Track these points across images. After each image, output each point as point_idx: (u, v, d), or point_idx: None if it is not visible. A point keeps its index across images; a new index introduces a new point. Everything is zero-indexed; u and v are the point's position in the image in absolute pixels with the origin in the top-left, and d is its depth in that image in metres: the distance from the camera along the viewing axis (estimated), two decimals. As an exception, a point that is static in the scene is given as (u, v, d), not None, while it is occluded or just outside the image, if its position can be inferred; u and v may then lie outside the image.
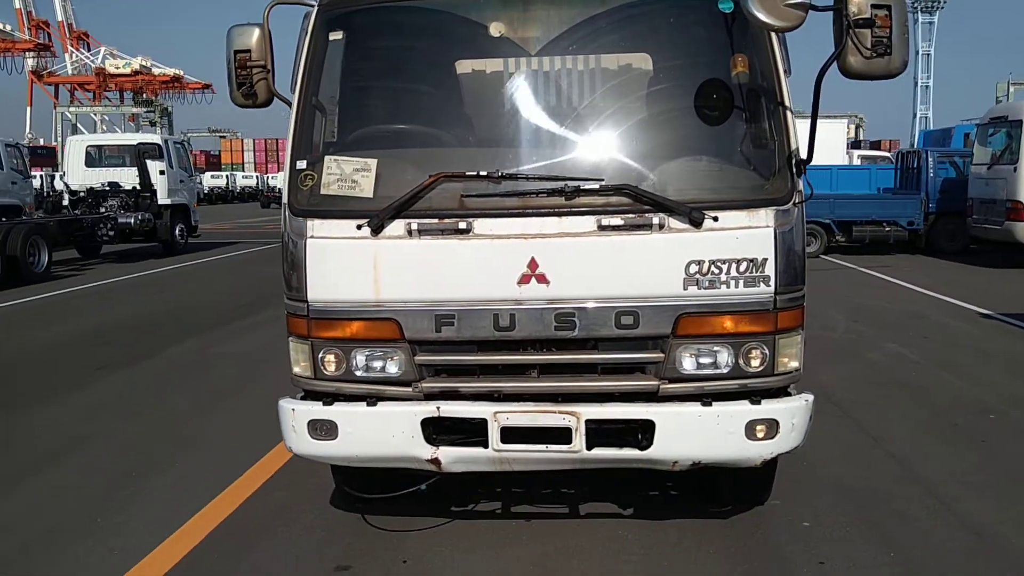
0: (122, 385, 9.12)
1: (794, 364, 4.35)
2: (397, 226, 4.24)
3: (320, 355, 4.42)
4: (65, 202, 24.66)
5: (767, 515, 5.22)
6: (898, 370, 8.98)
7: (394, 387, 4.38)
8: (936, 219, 20.83)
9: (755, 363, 4.27)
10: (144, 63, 73.30)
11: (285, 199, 4.46)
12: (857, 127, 76.08)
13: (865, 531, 5.01)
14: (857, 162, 30.69)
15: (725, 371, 4.27)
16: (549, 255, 4.16)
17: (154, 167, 23.54)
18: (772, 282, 4.18)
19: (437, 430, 4.36)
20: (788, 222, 4.21)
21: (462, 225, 4.19)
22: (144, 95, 72.90)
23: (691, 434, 4.23)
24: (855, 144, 66.99)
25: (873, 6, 3.85)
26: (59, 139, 58.87)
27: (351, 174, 4.34)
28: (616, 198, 4.15)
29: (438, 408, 4.29)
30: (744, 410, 4.21)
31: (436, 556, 4.80)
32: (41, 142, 64.13)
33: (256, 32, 4.58)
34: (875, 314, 12.49)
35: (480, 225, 4.19)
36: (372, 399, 4.37)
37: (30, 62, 72.71)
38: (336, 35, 4.53)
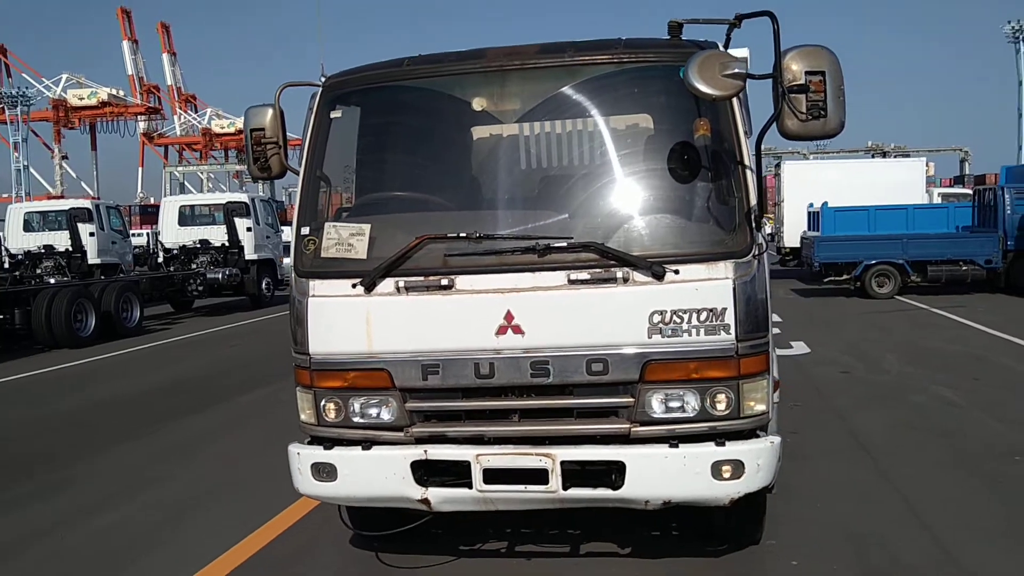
0: (188, 431, 9.74)
1: (760, 407, 4.57)
2: (387, 284, 4.65)
3: (322, 403, 4.84)
4: (160, 259, 25.97)
5: (759, 554, 5.39)
6: (938, 414, 8.96)
7: (388, 432, 4.77)
8: (1016, 257, 20.39)
9: (721, 407, 4.51)
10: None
11: (292, 262, 4.93)
12: (962, 161, 74.41)
13: (852, 569, 5.15)
14: (937, 200, 30.23)
15: (692, 414, 4.52)
16: (524, 308, 4.51)
17: (242, 224, 24.67)
18: (732, 330, 4.43)
19: (428, 472, 4.71)
20: (747, 273, 4.46)
21: (444, 282, 4.58)
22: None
23: (659, 474, 4.49)
24: (959, 179, 65.55)
25: (807, 72, 4.14)
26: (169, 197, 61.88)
27: (347, 238, 4.79)
28: (584, 254, 4.48)
29: (426, 451, 4.66)
30: (709, 451, 4.46)
31: (440, 591, 5.14)
32: (152, 200, 67.20)
33: (269, 112, 5.10)
34: (932, 356, 12.40)
35: (461, 281, 4.58)
36: (368, 444, 4.76)
37: (142, 125, 76.67)
38: (336, 113, 5.01)
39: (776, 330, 15.05)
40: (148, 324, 21.09)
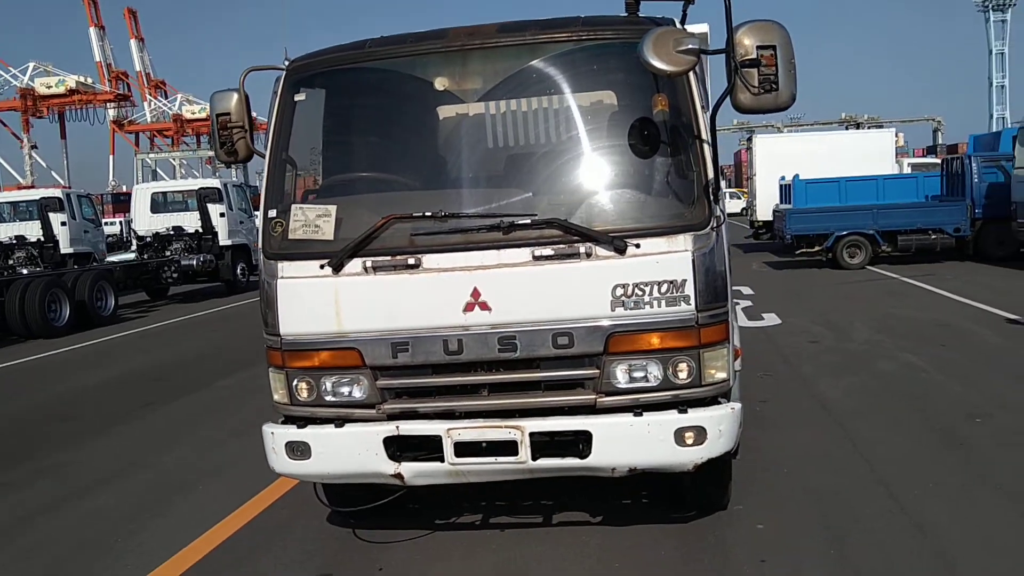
0: (167, 418, 9.80)
1: (721, 375, 4.70)
2: (355, 264, 4.73)
3: (294, 383, 4.93)
4: (133, 247, 25.87)
5: (726, 519, 5.54)
6: (904, 380, 9.15)
7: (360, 409, 4.87)
8: (983, 225, 20.68)
9: (683, 375, 4.64)
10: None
11: (259, 245, 5.00)
12: (935, 131, 74.97)
13: (816, 532, 5.31)
14: (907, 170, 30.51)
15: (656, 384, 4.65)
16: (490, 284, 4.61)
17: (215, 210, 24.59)
18: (692, 301, 4.55)
19: (401, 447, 4.82)
20: (706, 245, 4.58)
21: (411, 261, 4.67)
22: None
23: (625, 442, 4.62)
24: (931, 149, 66.02)
25: (759, 47, 4.24)
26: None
27: (314, 219, 4.86)
28: (547, 231, 4.58)
29: (397, 427, 4.76)
30: (672, 419, 4.59)
31: (410, 564, 5.25)
32: (124, 188, 66.63)
33: (234, 96, 5.15)
34: (900, 324, 12.60)
35: (428, 260, 4.67)
36: (340, 421, 4.86)
37: (111, 112, 75.76)
38: (300, 96, 5.07)
39: (747, 302, 15.50)
40: (123, 312, 21.04)
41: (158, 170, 70.46)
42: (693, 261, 4.54)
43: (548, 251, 4.57)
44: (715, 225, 4.64)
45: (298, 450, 4.91)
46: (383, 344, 4.75)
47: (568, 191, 4.80)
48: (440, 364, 4.74)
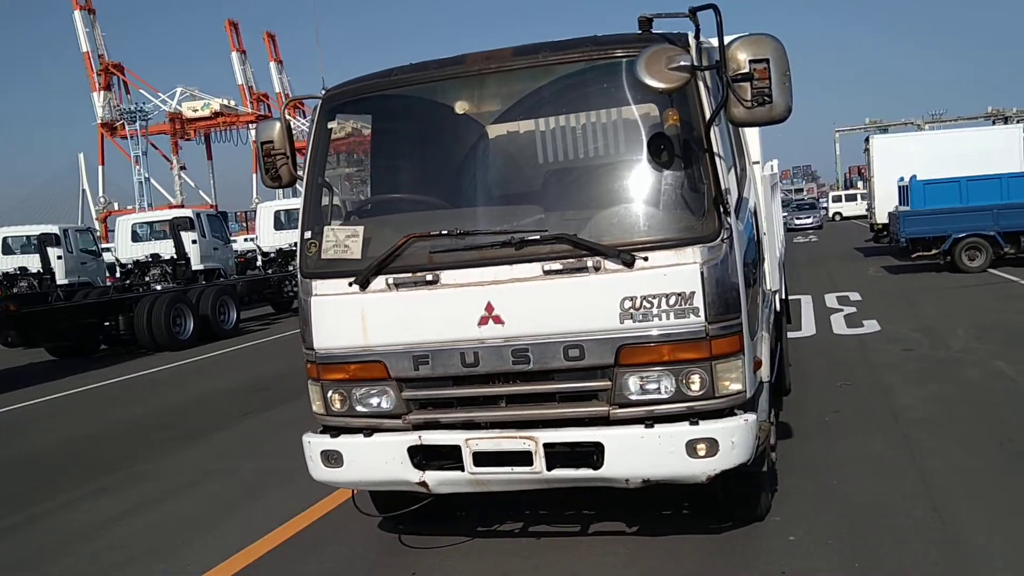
0: (261, 426, 10.32)
1: (736, 387, 4.72)
2: (380, 281, 4.98)
3: (328, 394, 5.22)
4: (258, 263, 27.08)
5: (760, 530, 5.53)
6: (986, 389, 8.80)
7: (388, 419, 5.11)
8: (1117, 224, 19.48)
9: (695, 387, 4.69)
10: (355, 126, 78.39)
11: (297, 265, 5.32)
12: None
13: (846, 545, 5.24)
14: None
15: (668, 396, 4.72)
16: (503, 299, 4.78)
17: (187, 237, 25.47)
18: (702, 313, 4.60)
19: (426, 456, 5.03)
20: (715, 257, 4.62)
21: (429, 277, 4.88)
22: (355, 156, 77.85)
23: (636, 454, 4.70)
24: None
25: (751, 61, 4.29)
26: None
27: (344, 240, 5.14)
28: (557, 246, 4.72)
29: (420, 437, 4.98)
30: (683, 431, 4.65)
31: (442, 569, 5.46)
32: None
33: (277, 125, 5.49)
34: (1004, 331, 12.07)
35: (446, 276, 4.87)
36: (370, 431, 5.11)
37: (253, 132, 79.25)
38: (333, 123, 5.37)
39: (852, 309, 15.16)
40: (246, 325, 22.06)
41: (298, 186, 73.09)
42: (702, 273, 4.60)
43: (557, 265, 4.70)
44: (725, 237, 4.67)
45: (332, 458, 5.19)
46: (406, 357, 4.98)
47: (580, 206, 4.94)
48: (459, 376, 4.94)
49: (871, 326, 13.35)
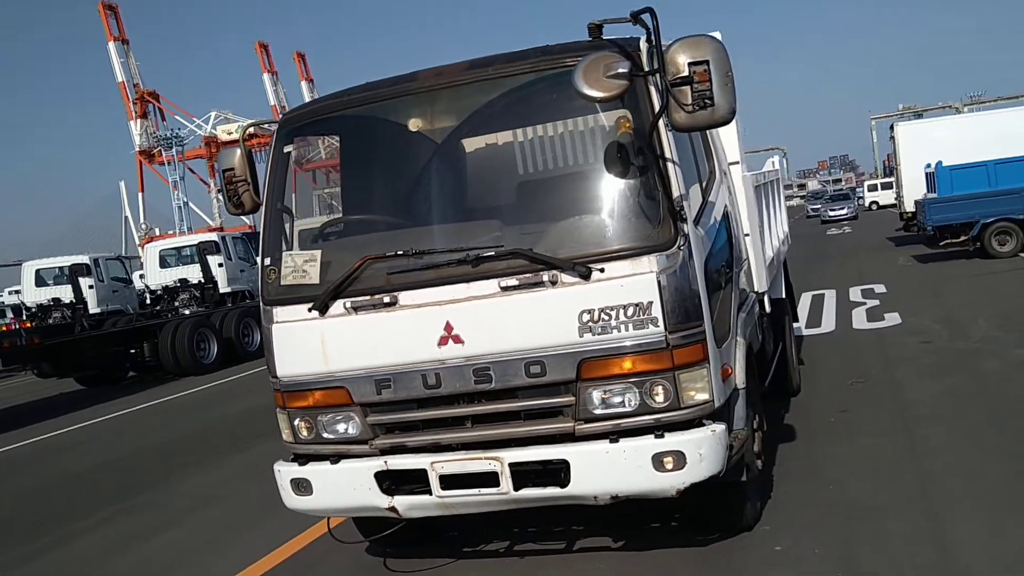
0: (271, 450, 10.25)
1: (702, 396, 4.59)
2: (338, 305, 4.91)
3: (295, 422, 5.16)
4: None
5: (747, 541, 5.37)
6: (1003, 381, 8.52)
7: (355, 445, 5.03)
8: None
9: (660, 399, 4.56)
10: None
11: (260, 293, 5.26)
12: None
13: (832, 554, 5.06)
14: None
15: (633, 408, 4.59)
16: (461, 317, 4.69)
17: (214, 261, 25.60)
18: (661, 323, 4.47)
19: (396, 481, 4.95)
20: (672, 265, 4.49)
21: (387, 299, 4.80)
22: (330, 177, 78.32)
23: (602, 469, 4.58)
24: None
25: (691, 64, 4.16)
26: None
27: (302, 265, 5.08)
28: (513, 261, 4.61)
29: (386, 462, 4.90)
30: (648, 444, 4.52)
31: (422, 592, 5.38)
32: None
33: (237, 152, 5.45)
34: (1028, 317, 11.75)
35: (404, 297, 4.79)
36: (337, 458, 5.04)
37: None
38: (289, 147, 5.31)
39: (875, 302, 14.83)
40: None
41: (334, 203, 73.57)
42: (659, 282, 4.47)
43: (513, 281, 4.60)
44: (682, 244, 4.54)
45: (302, 486, 5.12)
46: (368, 381, 4.90)
47: (537, 219, 4.84)
48: (422, 398, 4.85)
49: (892, 319, 13.05)
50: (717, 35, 6.17)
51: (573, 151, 4.96)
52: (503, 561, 5.65)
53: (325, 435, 5.09)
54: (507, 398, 4.76)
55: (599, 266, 4.51)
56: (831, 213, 50.37)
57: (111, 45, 69.99)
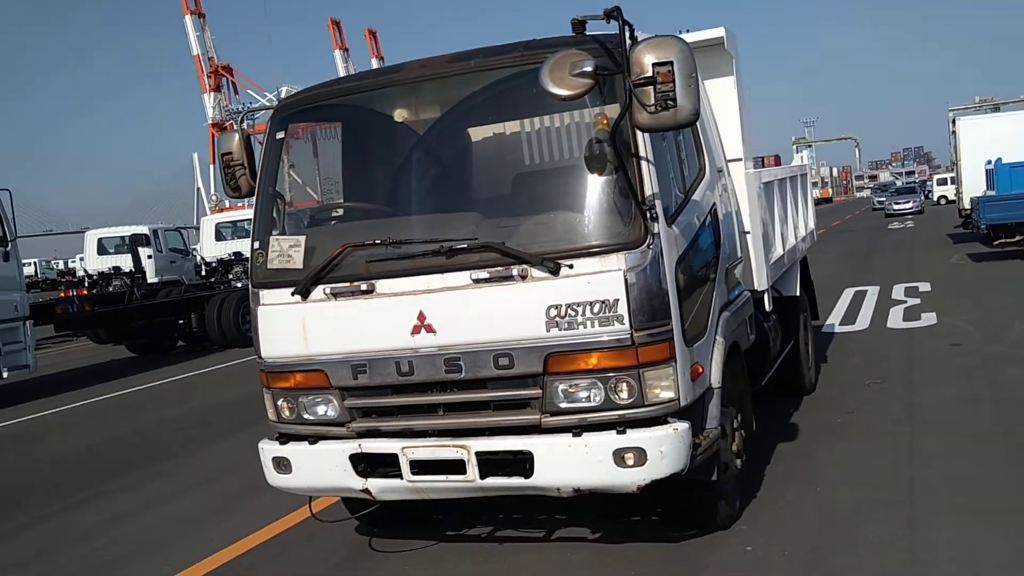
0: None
1: (667, 395, 4.62)
2: (319, 291, 5.03)
3: (278, 402, 5.31)
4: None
5: (721, 539, 5.39)
6: (1021, 388, 8.37)
7: (333, 427, 5.16)
8: None
9: (624, 396, 4.60)
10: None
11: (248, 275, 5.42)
12: None
13: (802, 558, 5.07)
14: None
15: (598, 404, 4.64)
16: (434, 308, 4.78)
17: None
18: (626, 320, 4.51)
19: (371, 464, 5.07)
20: (640, 264, 4.52)
21: (364, 287, 4.91)
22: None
23: (565, 463, 4.65)
24: None
25: (655, 64, 4.17)
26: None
27: (287, 249, 5.21)
28: (485, 254, 4.69)
29: (360, 445, 5.02)
30: (609, 440, 4.57)
31: (400, 571, 5.52)
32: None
33: (236, 137, 5.58)
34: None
35: (381, 285, 4.89)
36: (315, 438, 5.18)
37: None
38: (281, 134, 5.43)
39: (916, 301, 14.58)
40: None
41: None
42: (626, 280, 4.51)
43: (484, 274, 4.67)
44: (652, 242, 4.56)
45: (282, 465, 5.28)
46: (345, 366, 5.02)
47: (513, 213, 4.91)
48: (396, 385, 4.95)
49: (928, 319, 12.81)
50: (720, 31, 6.22)
51: (551, 146, 5.01)
52: (482, 546, 5.75)
53: (305, 416, 5.22)
54: (476, 388, 4.84)
55: (568, 262, 4.56)
56: (895, 207, 49.27)
57: (188, 19, 71.16)
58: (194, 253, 29.88)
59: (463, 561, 5.55)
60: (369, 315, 4.92)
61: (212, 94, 76.23)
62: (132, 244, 26.07)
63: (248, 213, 32.14)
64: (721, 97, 6.54)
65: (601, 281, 4.53)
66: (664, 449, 4.56)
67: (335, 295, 4.98)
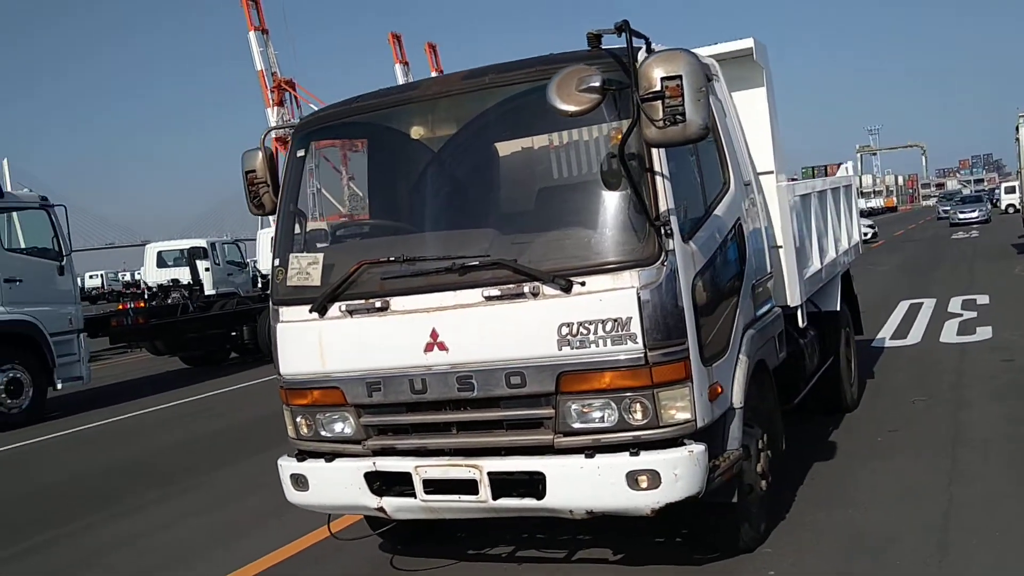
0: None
1: (683, 416, 4.51)
2: (336, 308, 5.03)
3: (297, 419, 5.31)
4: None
5: (744, 563, 5.25)
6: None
7: (349, 445, 5.15)
8: None
9: (638, 416, 4.51)
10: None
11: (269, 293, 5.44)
12: None
13: (828, 582, 4.93)
14: None
15: (612, 424, 4.56)
16: (447, 325, 4.74)
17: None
18: (639, 339, 4.42)
19: (386, 482, 5.05)
20: (654, 281, 4.43)
21: (378, 304, 4.90)
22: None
23: (577, 484, 4.57)
24: None
25: (664, 79, 4.08)
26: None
27: (306, 267, 5.22)
28: (498, 271, 4.64)
29: (374, 463, 5.00)
30: (623, 462, 4.48)
31: (416, 591, 5.48)
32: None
33: (259, 155, 5.61)
34: None
35: (396, 303, 4.88)
36: (332, 456, 5.17)
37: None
38: (301, 152, 5.45)
39: (972, 314, 14.17)
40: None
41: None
42: (639, 298, 4.42)
43: (496, 292, 4.62)
44: (666, 260, 4.47)
45: (300, 482, 5.28)
46: (360, 383, 5.00)
47: (527, 230, 4.86)
48: (410, 403, 4.92)
49: (983, 333, 12.44)
50: (749, 42, 6.11)
51: (565, 162, 4.96)
52: (502, 566, 5.69)
53: (323, 433, 5.22)
54: (489, 407, 4.79)
55: (580, 279, 4.49)
56: (960, 216, 48.19)
57: (251, 35, 72.26)
58: (251, 266, 30.28)
59: (482, 581, 5.50)
60: (383, 332, 4.91)
61: (275, 108, 77.32)
62: (190, 257, 26.52)
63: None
64: (751, 109, 6.42)
65: (614, 299, 4.45)
66: (679, 472, 4.46)
67: (351, 312, 4.98)
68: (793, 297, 6.55)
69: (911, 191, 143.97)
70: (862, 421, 8.25)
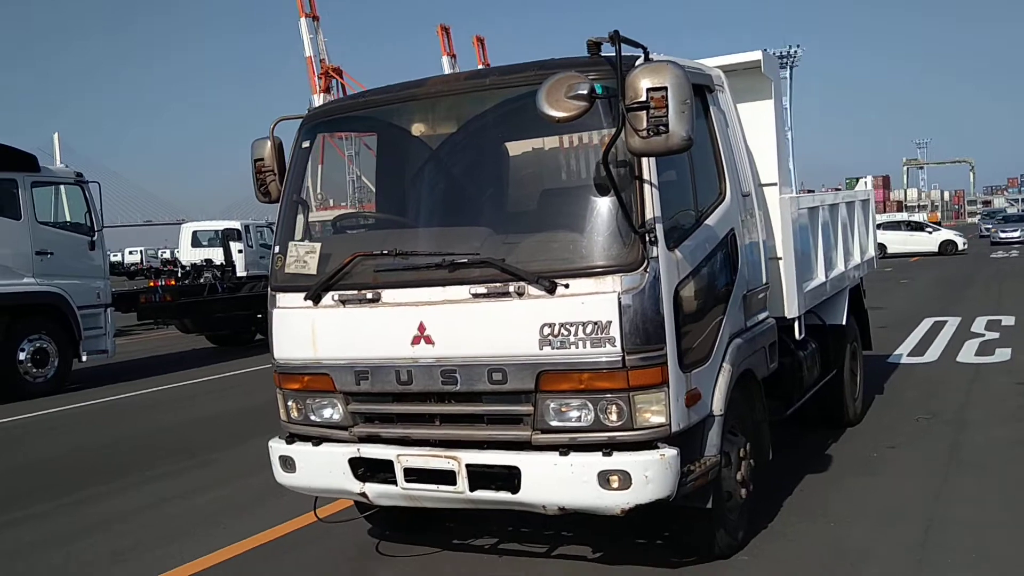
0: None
1: (658, 419, 4.59)
2: (329, 297, 5.16)
3: (288, 403, 5.46)
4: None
5: (719, 568, 5.31)
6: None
7: (336, 430, 5.28)
8: None
9: (613, 418, 4.60)
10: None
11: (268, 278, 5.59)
12: None
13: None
14: None
15: (588, 424, 4.65)
16: (434, 319, 4.86)
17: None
18: (618, 343, 4.51)
19: (370, 468, 5.17)
20: (636, 287, 4.52)
21: (370, 295, 5.03)
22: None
23: (550, 481, 4.66)
24: None
25: (649, 89, 4.16)
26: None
27: (303, 255, 5.36)
28: (485, 270, 4.75)
29: (359, 450, 5.13)
30: (595, 461, 4.57)
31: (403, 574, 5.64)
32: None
33: (268, 144, 5.75)
34: None
35: (387, 295, 5.00)
36: (319, 440, 5.31)
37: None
38: (306, 143, 5.59)
39: (994, 335, 14.05)
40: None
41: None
42: (620, 302, 4.51)
43: (483, 289, 4.73)
44: (648, 266, 4.55)
45: (288, 463, 5.43)
46: (349, 371, 5.13)
47: (516, 230, 4.95)
48: (396, 393, 5.05)
49: (1002, 355, 12.34)
50: (757, 55, 6.16)
51: (558, 166, 5.04)
52: (483, 557, 5.79)
53: (312, 418, 5.36)
54: (471, 401, 4.90)
55: (564, 281, 4.58)
56: (1002, 234, 47.50)
57: (302, 21, 72.80)
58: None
59: (464, 569, 5.61)
60: (373, 323, 5.03)
61: (322, 95, 77.90)
62: (224, 238, 26.87)
63: (327, 215, 33.08)
64: (758, 121, 6.47)
65: (595, 302, 4.53)
66: (649, 474, 4.53)
67: (343, 302, 5.11)
68: (791, 309, 6.59)
69: (957, 207, 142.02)
70: (863, 435, 8.26)
